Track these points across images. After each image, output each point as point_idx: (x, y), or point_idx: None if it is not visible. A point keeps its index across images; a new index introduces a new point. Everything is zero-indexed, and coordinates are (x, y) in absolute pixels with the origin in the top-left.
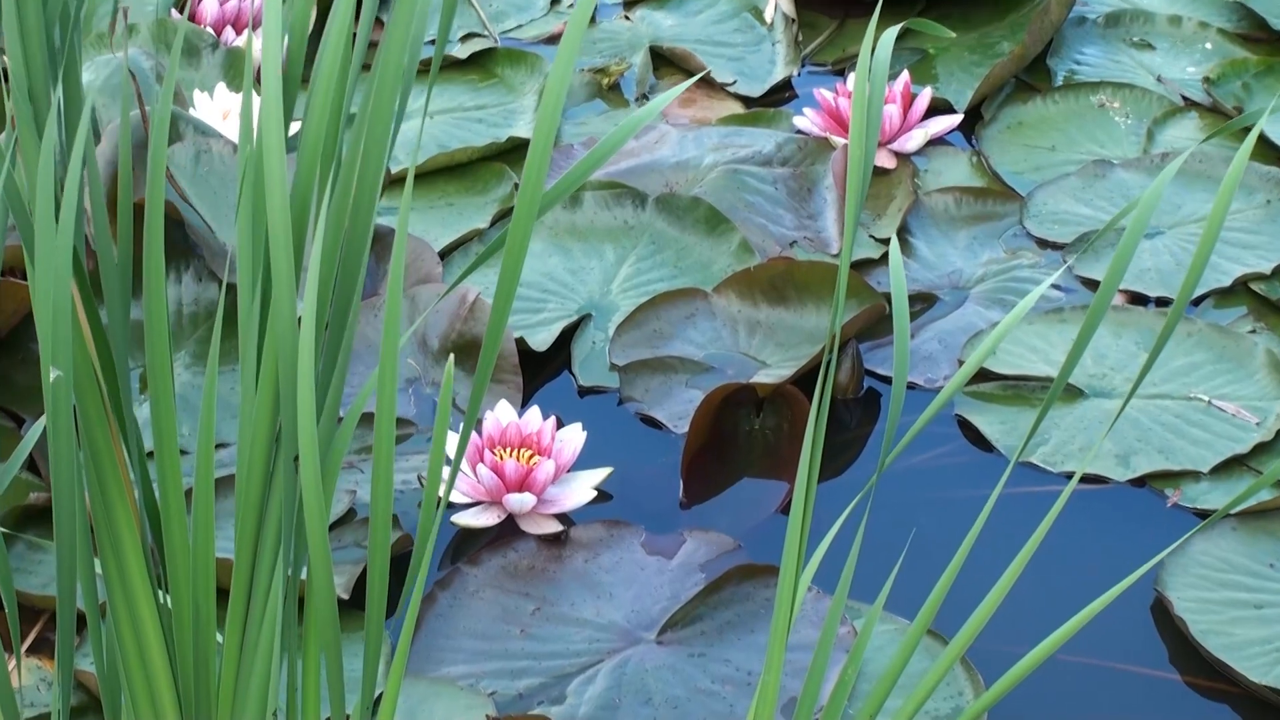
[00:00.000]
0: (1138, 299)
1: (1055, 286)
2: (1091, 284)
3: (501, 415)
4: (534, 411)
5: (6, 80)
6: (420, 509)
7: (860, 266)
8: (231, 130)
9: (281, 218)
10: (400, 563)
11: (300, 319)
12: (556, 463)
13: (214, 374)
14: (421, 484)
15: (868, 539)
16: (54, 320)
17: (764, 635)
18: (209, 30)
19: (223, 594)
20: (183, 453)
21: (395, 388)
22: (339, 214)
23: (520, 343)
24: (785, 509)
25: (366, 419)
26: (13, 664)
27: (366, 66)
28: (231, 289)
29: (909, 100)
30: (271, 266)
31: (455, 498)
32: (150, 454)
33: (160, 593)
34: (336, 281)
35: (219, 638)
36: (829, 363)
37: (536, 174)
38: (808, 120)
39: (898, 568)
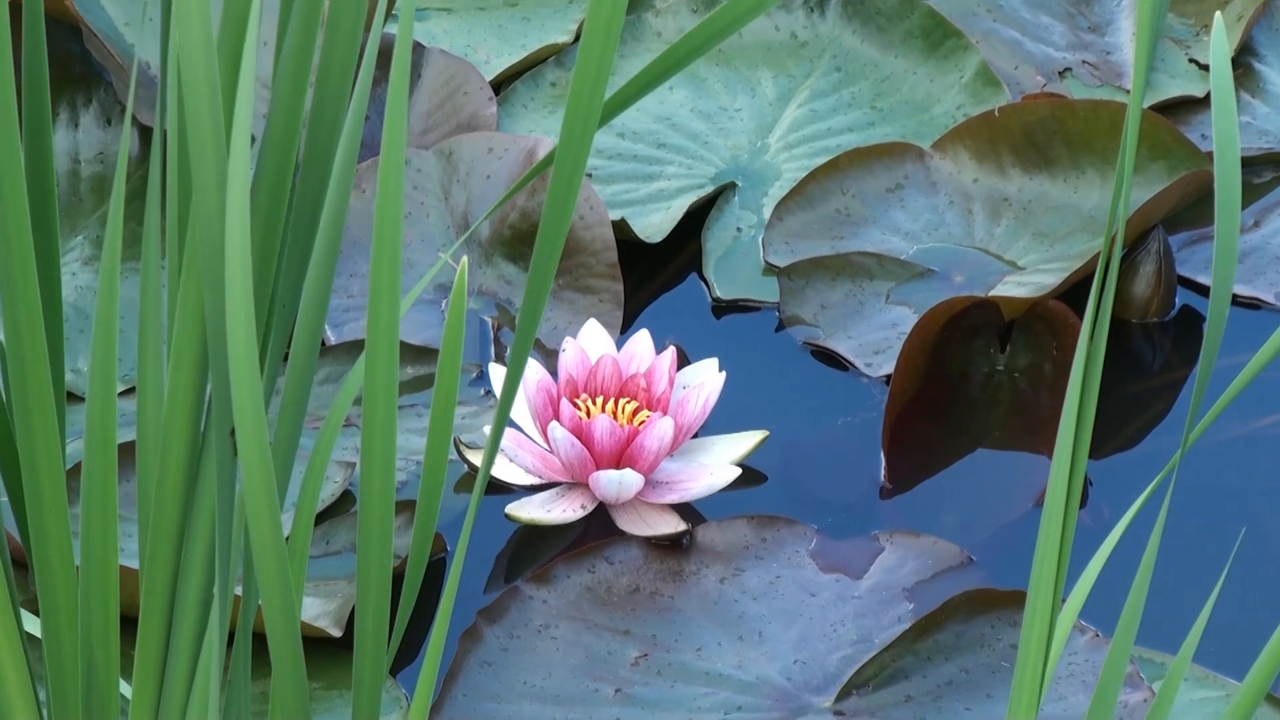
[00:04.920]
0: None
1: None
2: None
3: (589, 345)
4: (641, 339)
5: None
6: (472, 494)
7: (1173, 110)
8: None
9: (199, 17)
10: (427, 577)
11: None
12: (677, 422)
13: (114, 271)
14: (460, 452)
15: (1172, 550)
16: None
17: (1005, 701)
18: None
19: (132, 624)
20: (75, 399)
21: (397, 292)
22: (306, 18)
23: (621, 229)
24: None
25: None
26: None
27: None
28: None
29: None
30: (185, 103)
31: (513, 476)
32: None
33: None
34: (309, 125)
35: (124, 690)
36: (1111, 263)
37: None
38: None
39: (1215, 595)
